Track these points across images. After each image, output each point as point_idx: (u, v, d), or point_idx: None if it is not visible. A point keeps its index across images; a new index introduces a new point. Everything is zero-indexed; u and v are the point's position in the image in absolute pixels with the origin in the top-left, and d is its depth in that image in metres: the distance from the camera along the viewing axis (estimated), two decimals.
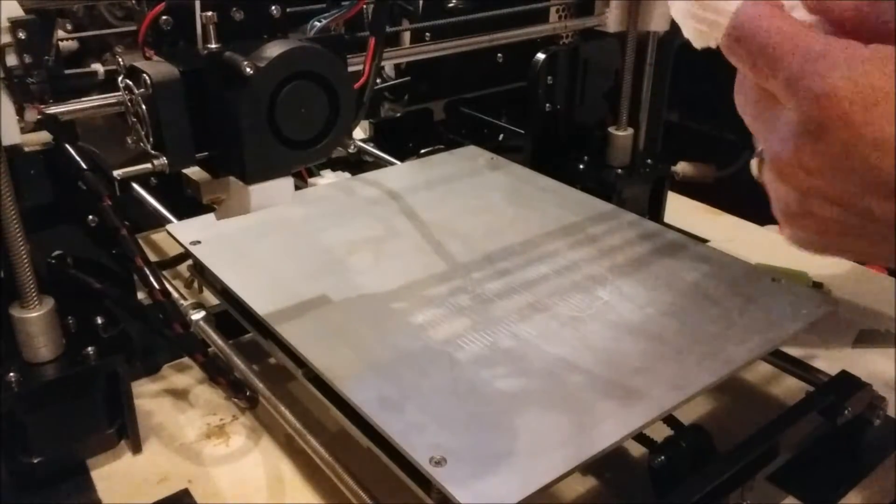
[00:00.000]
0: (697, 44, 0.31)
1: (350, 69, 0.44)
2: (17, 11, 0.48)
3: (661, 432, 0.50)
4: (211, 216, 0.48)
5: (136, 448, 0.55)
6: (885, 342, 0.67)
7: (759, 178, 0.29)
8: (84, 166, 0.49)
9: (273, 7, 0.42)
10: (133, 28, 0.43)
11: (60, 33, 0.82)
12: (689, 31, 0.31)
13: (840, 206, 0.26)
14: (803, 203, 0.27)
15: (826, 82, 0.24)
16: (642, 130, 0.81)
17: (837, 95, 0.24)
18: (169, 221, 0.70)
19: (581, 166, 0.81)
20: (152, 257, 0.63)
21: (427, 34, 0.89)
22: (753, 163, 0.30)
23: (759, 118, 0.28)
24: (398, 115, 1.00)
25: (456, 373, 0.48)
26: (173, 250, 0.74)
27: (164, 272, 0.67)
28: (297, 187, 0.57)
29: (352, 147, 0.88)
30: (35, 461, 0.51)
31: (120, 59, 0.43)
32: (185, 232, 0.64)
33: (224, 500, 0.51)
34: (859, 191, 0.25)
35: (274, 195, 0.43)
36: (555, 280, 0.58)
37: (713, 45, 0.30)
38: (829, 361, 0.63)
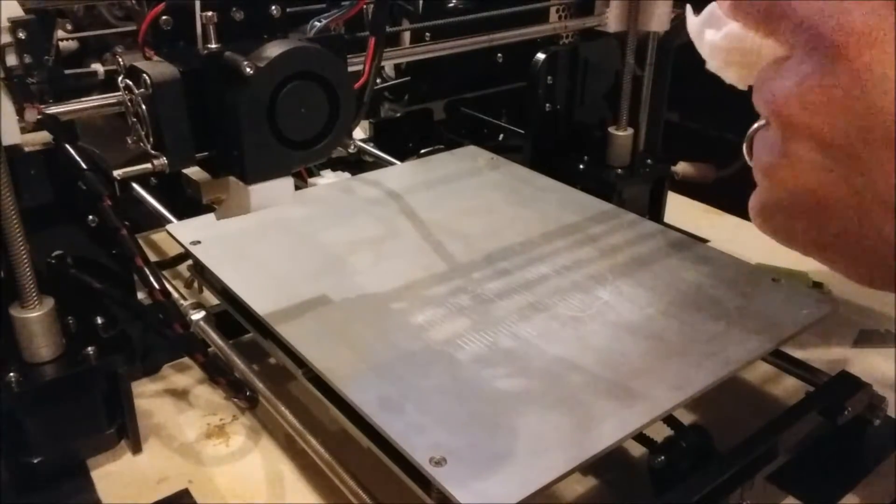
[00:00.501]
0: (741, 85, 0.32)
1: (350, 69, 0.44)
2: (17, 11, 0.49)
3: (661, 432, 0.50)
4: (211, 216, 0.48)
5: (136, 448, 0.55)
6: (885, 342, 0.67)
7: (750, 160, 0.29)
8: (84, 166, 0.49)
9: (273, 7, 0.43)
10: (133, 28, 0.43)
11: (60, 33, 0.82)
12: (731, 76, 0.32)
13: (828, 149, 0.25)
14: (788, 144, 0.26)
15: (839, 19, 0.24)
16: (642, 130, 0.81)
17: (849, 31, 0.24)
18: (169, 221, 0.70)
19: (581, 166, 0.81)
20: (152, 257, 0.63)
21: (427, 34, 0.89)
22: (745, 146, 0.30)
23: (764, 79, 0.28)
24: (398, 115, 1.00)
25: (456, 373, 0.48)
26: (173, 250, 0.74)
27: (164, 272, 0.67)
28: (297, 187, 0.57)
29: (352, 147, 0.88)
30: (35, 461, 0.51)
31: (120, 59, 0.42)
32: (185, 232, 0.64)
33: (224, 500, 0.51)
34: (853, 133, 0.24)
35: (274, 195, 0.43)
36: (555, 280, 0.58)
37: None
38: (829, 361, 0.63)
